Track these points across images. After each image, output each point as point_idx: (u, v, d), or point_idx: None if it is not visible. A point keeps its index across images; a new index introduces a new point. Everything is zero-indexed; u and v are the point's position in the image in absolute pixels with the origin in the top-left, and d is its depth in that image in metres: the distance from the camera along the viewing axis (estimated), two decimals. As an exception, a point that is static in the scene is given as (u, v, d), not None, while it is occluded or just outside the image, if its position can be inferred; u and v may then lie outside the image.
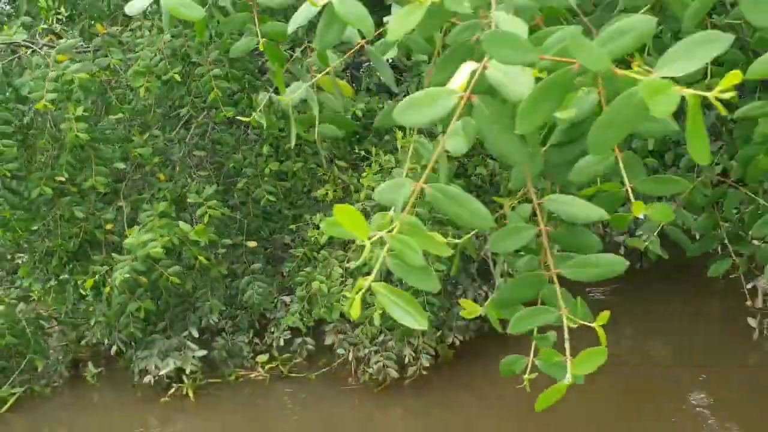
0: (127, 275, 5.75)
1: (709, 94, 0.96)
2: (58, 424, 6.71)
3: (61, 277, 6.60)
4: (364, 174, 6.45)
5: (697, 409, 5.97)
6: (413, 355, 6.13)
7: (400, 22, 1.39)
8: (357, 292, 1.29)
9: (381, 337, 6.21)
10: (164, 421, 6.43)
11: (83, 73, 5.46)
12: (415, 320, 1.26)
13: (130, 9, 2.01)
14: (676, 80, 1.01)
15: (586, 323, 1.45)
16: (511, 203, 1.61)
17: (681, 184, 1.54)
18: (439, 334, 6.33)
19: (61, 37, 6.89)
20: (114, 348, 6.59)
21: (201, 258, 6.15)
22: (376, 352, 6.18)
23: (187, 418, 6.46)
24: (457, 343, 6.49)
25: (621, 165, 1.52)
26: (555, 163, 1.61)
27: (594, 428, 5.81)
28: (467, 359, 6.75)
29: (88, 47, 6.19)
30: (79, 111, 5.47)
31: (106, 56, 5.94)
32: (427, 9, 1.45)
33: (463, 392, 6.36)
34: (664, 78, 1.02)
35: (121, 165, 6.35)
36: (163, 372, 6.50)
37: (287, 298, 6.90)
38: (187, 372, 6.59)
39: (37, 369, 6.94)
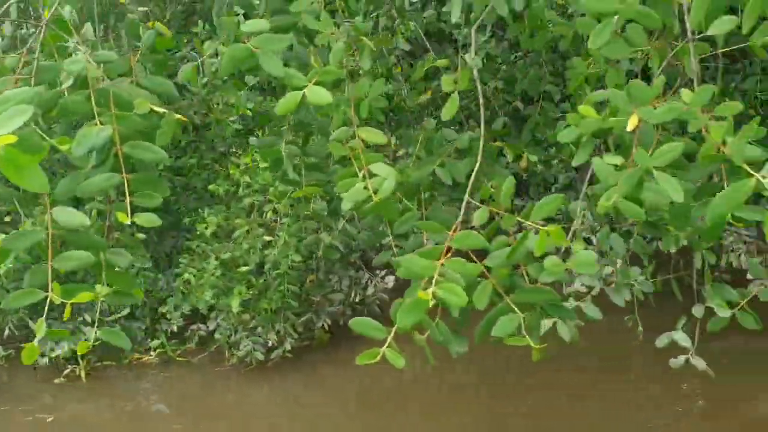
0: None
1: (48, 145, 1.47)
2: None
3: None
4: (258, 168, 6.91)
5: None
6: (276, 339, 6.65)
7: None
8: None
9: (252, 323, 6.73)
10: (56, 399, 6.98)
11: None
12: None
13: None
14: None
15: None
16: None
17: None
18: (304, 319, 6.83)
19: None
20: (6, 332, 7.13)
21: (88, 249, 6.66)
22: (247, 336, 6.70)
23: (79, 396, 7.01)
24: (326, 327, 7.01)
25: (125, 182, 2.05)
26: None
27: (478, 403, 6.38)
28: (344, 342, 7.27)
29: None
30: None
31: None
32: None
33: (332, 372, 6.88)
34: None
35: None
36: (56, 353, 7.04)
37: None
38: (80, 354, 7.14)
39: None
